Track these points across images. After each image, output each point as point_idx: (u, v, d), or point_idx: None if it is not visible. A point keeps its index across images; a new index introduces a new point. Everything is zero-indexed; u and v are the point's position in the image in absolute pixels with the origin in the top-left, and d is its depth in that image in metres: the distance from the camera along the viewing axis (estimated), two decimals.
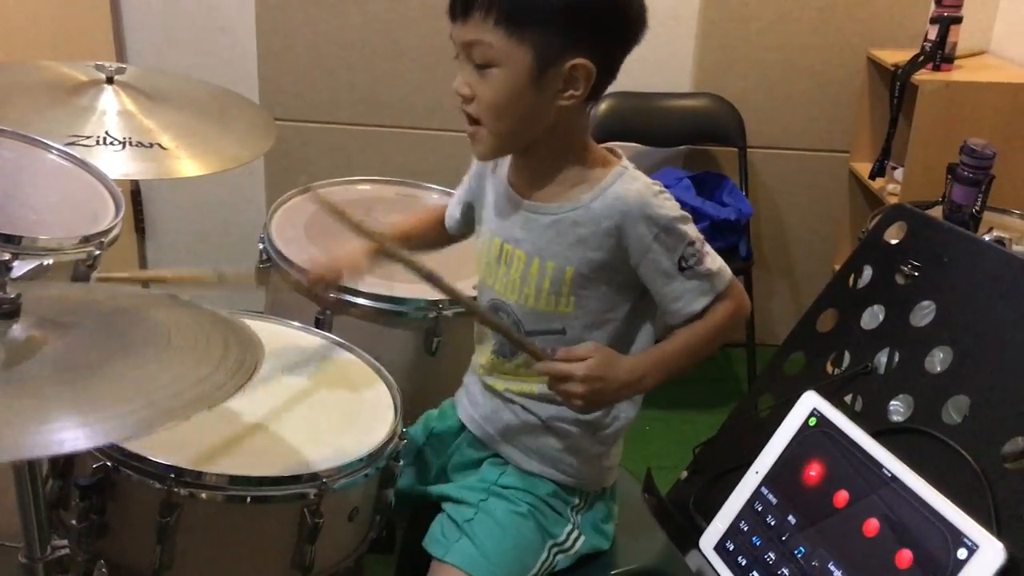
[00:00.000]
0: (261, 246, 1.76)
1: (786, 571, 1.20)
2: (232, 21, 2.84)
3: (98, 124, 1.73)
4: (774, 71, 2.87)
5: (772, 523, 1.24)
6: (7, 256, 1.10)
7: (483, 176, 1.35)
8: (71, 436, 0.81)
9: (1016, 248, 1.93)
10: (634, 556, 1.39)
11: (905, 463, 1.15)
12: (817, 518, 1.20)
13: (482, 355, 1.36)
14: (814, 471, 1.23)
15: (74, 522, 1.16)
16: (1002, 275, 1.24)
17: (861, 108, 2.83)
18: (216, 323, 1.06)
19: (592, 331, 1.26)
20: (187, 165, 1.74)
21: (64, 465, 1.22)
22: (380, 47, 2.83)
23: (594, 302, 1.25)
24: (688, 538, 1.37)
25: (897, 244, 1.42)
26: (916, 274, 1.35)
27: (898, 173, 2.56)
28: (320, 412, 1.34)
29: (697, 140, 2.93)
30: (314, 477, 1.17)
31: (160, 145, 1.74)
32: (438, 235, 1.48)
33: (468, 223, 1.42)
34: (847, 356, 1.40)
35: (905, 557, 1.08)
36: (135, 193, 3.00)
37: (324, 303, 1.50)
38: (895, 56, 2.61)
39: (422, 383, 1.61)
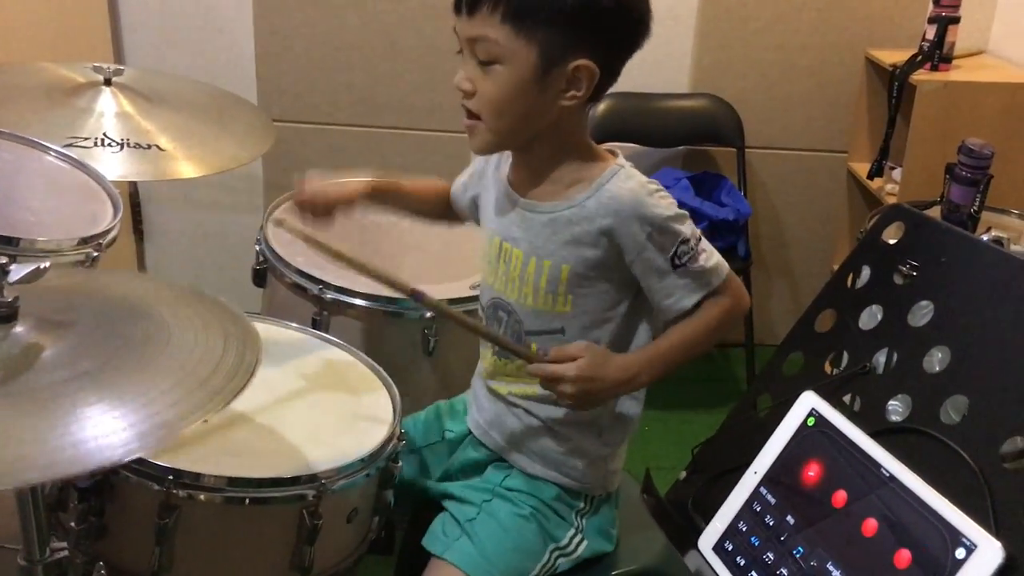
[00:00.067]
0: (258, 247, 1.76)
1: (785, 571, 1.20)
2: (230, 22, 2.84)
3: (96, 126, 1.74)
4: (772, 71, 2.87)
5: (771, 523, 1.24)
6: (4, 259, 1.10)
7: (485, 174, 1.36)
8: (66, 458, 0.81)
9: (1014, 248, 1.93)
10: (633, 557, 1.39)
11: (903, 463, 1.15)
12: (816, 518, 1.20)
13: (485, 358, 1.36)
14: (813, 471, 1.23)
15: (73, 524, 1.16)
16: (1000, 275, 1.24)
17: (859, 108, 2.83)
18: (215, 312, 1.06)
19: (591, 330, 1.26)
20: (185, 166, 1.74)
21: None
22: (378, 48, 2.83)
23: (592, 301, 1.25)
24: (687, 538, 1.37)
25: (895, 244, 1.42)
26: (914, 274, 1.35)
27: (896, 173, 2.56)
28: (318, 413, 1.34)
29: (695, 140, 2.93)
30: (313, 478, 1.17)
31: (158, 146, 1.74)
32: (437, 202, 1.47)
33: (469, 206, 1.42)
34: (845, 356, 1.40)
35: (904, 557, 1.08)
36: (133, 195, 2.98)
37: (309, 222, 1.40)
38: (893, 56, 2.61)
39: (420, 383, 1.61)
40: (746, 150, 2.87)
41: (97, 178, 1.56)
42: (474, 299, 1.42)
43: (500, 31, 1.13)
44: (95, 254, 1.38)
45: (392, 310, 1.62)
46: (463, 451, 1.40)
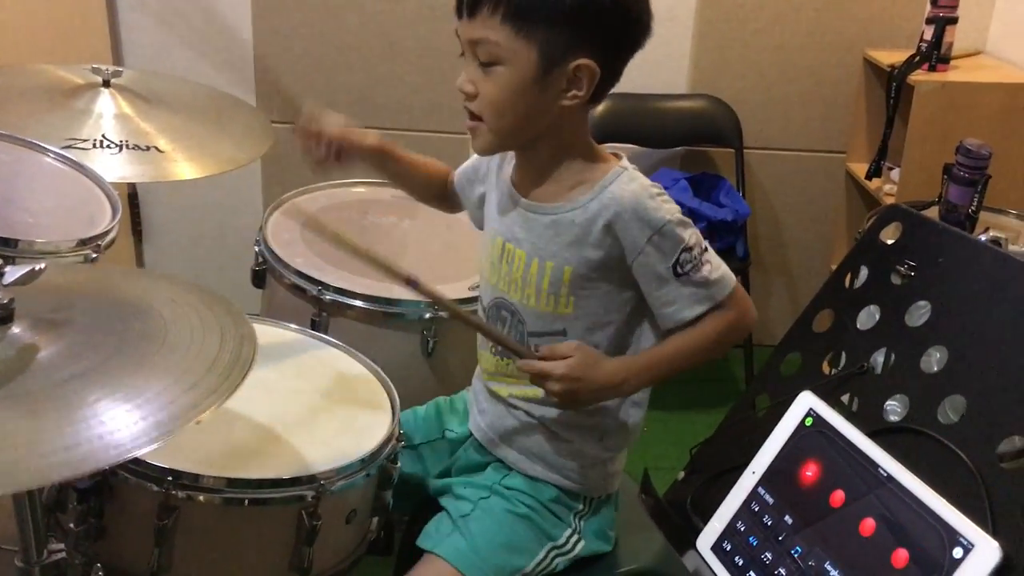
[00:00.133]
0: (257, 248, 1.76)
1: (783, 571, 1.20)
2: (229, 24, 2.84)
3: (95, 127, 1.73)
4: (771, 72, 2.87)
5: (769, 523, 1.25)
6: (1, 260, 1.10)
7: (490, 173, 1.36)
8: (62, 461, 0.81)
9: (1012, 248, 1.93)
10: (632, 557, 1.39)
11: (901, 463, 1.15)
12: (814, 518, 1.20)
13: (484, 358, 1.36)
14: (810, 471, 1.24)
15: (71, 525, 1.16)
16: (997, 275, 1.24)
17: (857, 109, 2.83)
18: (211, 308, 1.06)
19: (593, 333, 1.26)
20: (184, 168, 1.74)
21: None
22: (377, 49, 2.84)
23: (594, 303, 1.25)
24: (685, 538, 1.38)
25: (893, 244, 1.42)
26: (912, 274, 1.35)
27: (894, 173, 2.57)
28: (317, 414, 1.34)
29: (694, 141, 2.93)
30: (312, 479, 1.17)
31: (157, 148, 1.73)
32: (434, 183, 1.46)
33: (465, 193, 1.42)
34: (843, 356, 1.40)
35: (901, 556, 1.08)
36: (132, 196, 3.00)
37: (311, 153, 1.34)
38: (891, 57, 2.61)
39: (419, 384, 1.61)
40: (744, 151, 2.87)
41: (96, 179, 1.56)
42: (473, 300, 1.42)
43: (500, 32, 1.13)
44: (94, 255, 1.38)
45: (391, 311, 1.62)
46: (464, 453, 1.40)
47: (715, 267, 1.21)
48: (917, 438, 1.20)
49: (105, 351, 0.95)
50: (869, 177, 2.68)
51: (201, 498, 1.14)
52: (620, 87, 1.24)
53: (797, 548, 1.19)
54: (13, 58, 2.30)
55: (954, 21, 2.47)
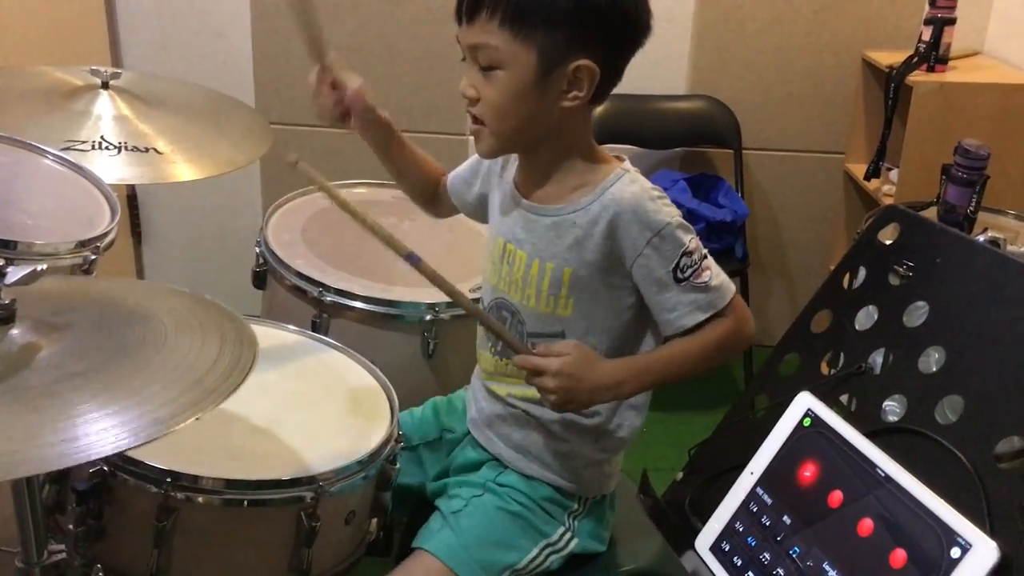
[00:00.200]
0: (257, 250, 1.76)
1: (781, 571, 1.20)
2: (228, 25, 2.84)
3: (93, 129, 1.73)
4: (769, 73, 2.88)
5: (767, 523, 1.25)
6: (1, 262, 1.11)
7: (492, 174, 1.36)
8: (61, 452, 0.81)
9: (1011, 248, 1.93)
10: (630, 557, 1.39)
11: (899, 463, 1.15)
12: (812, 518, 1.20)
13: (484, 358, 1.36)
14: (809, 471, 1.24)
15: (71, 527, 1.16)
16: (994, 275, 1.24)
17: (856, 109, 2.83)
18: (212, 317, 1.06)
19: (591, 336, 1.25)
20: (183, 169, 1.74)
21: (61, 470, 1.22)
22: (375, 51, 2.84)
23: (593, 306, 1.25)
24: (684, 539, 1.38)
25: (891, 245, 1.42)
26: (910, 275, 1.36)
27: (893, 174, 2.57)
28: (316, 415, 1.34)
29: (693, 142, 2.93)
30: (311, 480, 1.18)
31: (156, 150, 1.74)
32: (427, 180, 1.46)
33: (458, 196, 1.43)
34: (841, 357, 1.40)
35: (899, 556, 1.09)
36: (131, 198, 3.00)
37: (320, 98, 1.33)
38: (889, 57, 2.61)
39: (418, 386, 1.61)
40: (743, 151, 2.87)
41: (95, 181, 1.57)
42: (475, 302, 1.42)
43: (499, 36, 1.14)
44: (92, 257, 1.38)
45: (392, 313, 1.62)
46: (461, 451, 1.41)
47: (715, 274, 1.21)
48: (915, 438, 1.20)
49: (106, 352, 0.96)
50: (868, 178, 2.69)
51: (200, 499, 1.14)
52: (619, 88, 1.24)
53: (795, 548, 1.19)
54: (12, 60, 2.30)
55: (952, 22, 2.47)
